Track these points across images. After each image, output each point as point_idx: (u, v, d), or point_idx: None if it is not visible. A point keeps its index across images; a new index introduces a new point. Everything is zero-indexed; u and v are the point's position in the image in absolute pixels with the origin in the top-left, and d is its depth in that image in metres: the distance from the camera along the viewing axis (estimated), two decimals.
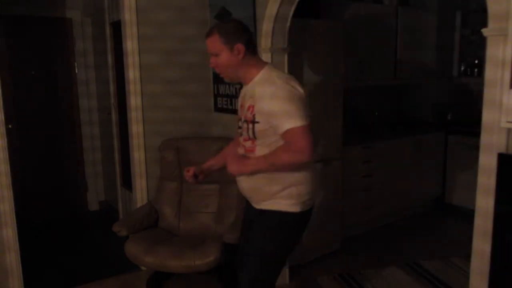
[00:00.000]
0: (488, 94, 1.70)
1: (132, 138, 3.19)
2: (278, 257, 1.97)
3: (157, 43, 3.17)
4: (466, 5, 4.68)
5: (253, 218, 1.99)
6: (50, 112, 4.38)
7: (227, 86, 3.27)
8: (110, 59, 3.82)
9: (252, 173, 1.85)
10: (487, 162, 1.73)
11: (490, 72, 1.69)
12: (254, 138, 1.86)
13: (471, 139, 4.18)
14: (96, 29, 4.35)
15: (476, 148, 1.82)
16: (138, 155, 3.20)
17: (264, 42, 2.81)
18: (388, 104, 4.84)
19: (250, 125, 1.85)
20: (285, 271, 2.99)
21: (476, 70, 4.68)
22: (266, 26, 2.78)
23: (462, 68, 4.80)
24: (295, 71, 2.83)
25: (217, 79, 3.39)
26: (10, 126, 3.71)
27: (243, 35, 1.87)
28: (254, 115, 1.83)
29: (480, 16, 4.46)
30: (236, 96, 3.17)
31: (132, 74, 3.11)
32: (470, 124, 4.34)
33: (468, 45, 4.75)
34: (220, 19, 3.23)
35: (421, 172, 4.30)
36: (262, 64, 1.93)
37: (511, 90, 1.60)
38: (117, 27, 3.39)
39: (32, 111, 4.28)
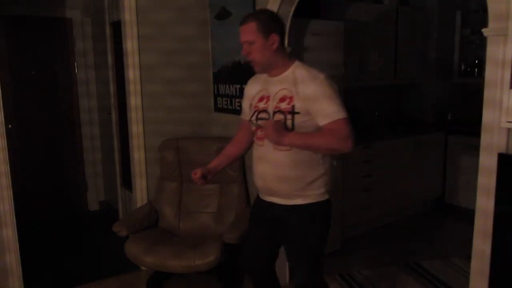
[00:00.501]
0: (488, 94, 1.70)
1: (132, 138, 3.19)
2: (324, 248, 2.00)
3: (157, 43, 3.17)
4: (466, 5, 4.68)
5: (279, 216, 1.97)
6: (50, 112, 4.38)
7: (227, 86, 3.27)
8: (110, 59, 3.82)
9: (290, 145, 1.81)
10: (487, 162, 1.73)
11: (490, 72, 1.69)
12: (291, 129, 1.83)
13: (471, 139, 4.18)
14: (96, 29, 4.35)
15: (476, 148, 1.82)
16: (138, 155, 3.20)
17: None
18: (388, 104, 4.84)
19: (289, 116, 1.83)
20: (285, 271, 2.98)
21: (476, 70, 4.68)
22: None
23: (462, 68, 4.80)
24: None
25: (217, 79, 3.39)
26: (10, 126, 3.72)
27: (278, 26, 1.88)
28: (293, 106, 1.82)
29: (480, 16, 4.46)
30: (236, 96, 3.17)
31: (132, 74, 3.11)
32: (470, 124, 4.33)
33: (468, 45, 4.75)
34: (220, 19, 3.23)
35: (421, 172, 4.30)
36: (291, 58, 1.94)
37: (511, 90, 1.60)
38: (117, 27, 3.39)
39: (32, 111, 4.28)
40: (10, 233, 2.67)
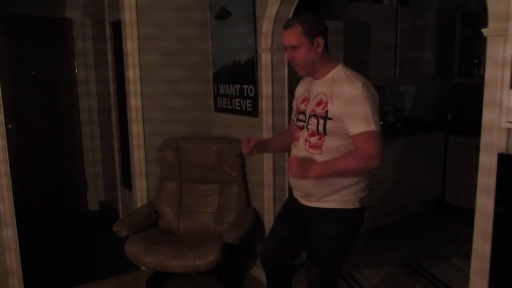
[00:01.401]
0: (488, 94, 1.70)
1: (132, 138, 3.19)
2: (345, 252, 1.99)
3: (157, 43, 3.17)
4: (466, 5, 4.68)
5: (309, 217, 1.97)
6: (50, 112, 4.38)
7: (227, 86, 3.27)
8: (110, 59, 3.82)
9: (317, 177, 1.81)
10: (487, 162, 1.72)
11: (490, 72, 1.69)
12: (323, 134, 1.83)
13: (471, 139, 4.17)
14: (96, 29, 4.35)
15: (476, 148, 1.82)
16: (138, 155, 3.20)
17: (264, 42, 2.81)
18: (388, 104, 4.84)
19: (321, 121, 1.82)
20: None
21: (476, 70, 4.67)
22: (266, 26, 2.78)
23: (462, 68, 4.80)
24: (295, 71, 2.82)
25: (217, 79, 3.39)
26: (10, 126, 3.71)
27: (322, 28, 1.86)
28: (327, 112, 1.80)
29: (480, 16, 4.46)
30: (236, 96, 3.17)
31: (132, 74, 3.11)
32: (470, 124, 4.32)
33: (468, 45, 4.75)
34: (220, 19, 3.23)
35: (421, 172, 4.30)
36: (335, 61, 1.91)
37: (511, 90, 1.60)
38: (117, 27, 3.39)
39: (32, 111, 4.28)
40: (10, 233, 2.67)
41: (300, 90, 2.06)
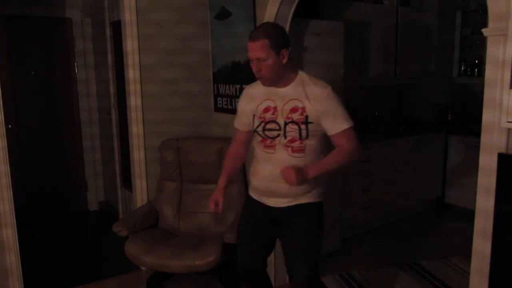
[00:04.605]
0: (488, 94, 1.70)
1: (132, 138, 3.19)
2: (321, 242, 2.08)
3: (157, 43, 3.17)
4: (466, 5, 4.68)
5: (281, 217, 2.02)
6: (50, 112, 4.38)
7: (227, 86, 3.27)
8: (110, 59, 3.82)
9: (314, 178, 1.89)
10: (487, 162, 1.73)
11: (490, 72, 1.69)
12: (306, 137, 1.90)
13: (471, 139, 4.18)
14: (96, 29, 4.35)
15: (476, 148, 1.82)
16: (138, 155, 3.20)
17: None
18: (388, 104, 4.84)
19: (303, 126, 1.89)
20: (285, 271, 2.98)
21: (476, 70, 4.68)
22: None
23: (462, 68, 4.80)
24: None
25: (217, 79, 3.39)
26: (10, 126, 3.71)
27: (286, 39, 1.92)
28: (307, 117, 1.88)
29: (480, 16, 4.47)
30: (236, 96, 3.17)
31: (132, 74, 3.11)
32: (470, 124, 4.33)
33: (468, 45, 4.75)
34: (220, 19, 3.23)
35: (421, 172, 4.30)
36: (296, 68, 1.98)
37: (511, 90, 1.60)
38: (117, 27, 3.39)
39: (32, 111, 4.28)
40: (10, 233, 2.67)
41: (254, 100, 2.03)
